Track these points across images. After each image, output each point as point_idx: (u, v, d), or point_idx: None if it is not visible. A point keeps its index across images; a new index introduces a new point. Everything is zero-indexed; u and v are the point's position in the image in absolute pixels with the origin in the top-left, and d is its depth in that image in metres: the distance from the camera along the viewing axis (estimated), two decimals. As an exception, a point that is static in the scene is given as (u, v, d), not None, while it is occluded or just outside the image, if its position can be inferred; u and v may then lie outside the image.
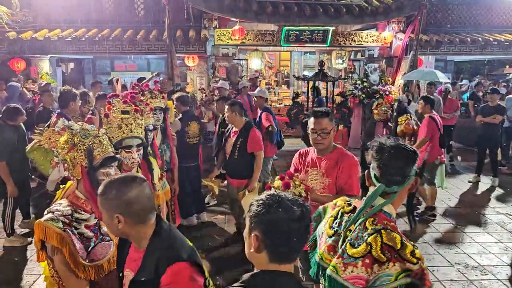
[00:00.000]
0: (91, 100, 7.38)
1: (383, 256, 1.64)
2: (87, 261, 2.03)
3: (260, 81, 14.02)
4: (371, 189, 1.82)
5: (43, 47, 9.52)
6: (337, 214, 1.93)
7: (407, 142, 6.05)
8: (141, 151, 2.84)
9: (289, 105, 10.89)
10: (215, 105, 7.12)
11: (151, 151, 3.44)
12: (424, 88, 9.76)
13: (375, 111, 9.08)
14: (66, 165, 2.13)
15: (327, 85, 10.06)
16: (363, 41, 10.71)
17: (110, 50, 9.83)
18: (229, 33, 9.92)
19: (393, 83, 10.31)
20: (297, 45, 11.17)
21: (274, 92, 14.09)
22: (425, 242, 5.25)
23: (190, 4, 9.73)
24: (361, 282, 1.65)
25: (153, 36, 9.62)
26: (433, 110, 6.10)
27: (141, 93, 3.85)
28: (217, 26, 10.20)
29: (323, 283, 1.84)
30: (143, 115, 2.94)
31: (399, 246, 1.65)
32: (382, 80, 10.23)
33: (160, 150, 4.17)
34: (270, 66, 17.55)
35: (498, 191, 7.42)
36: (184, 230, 5.38)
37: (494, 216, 6.22)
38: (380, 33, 10.70)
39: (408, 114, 6.52)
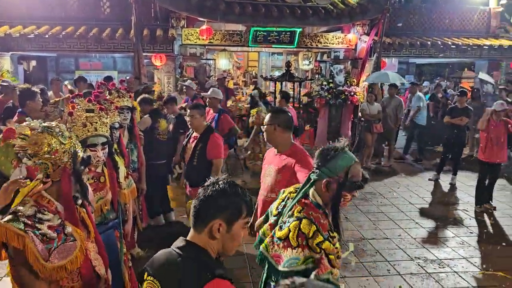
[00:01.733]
0: (50, 99, 7.19)
1: (295, 242, 1.89)
2: (49, 262, 2.01)
3: (228, 81, 14.06)
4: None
5: (3, 44, 9.19)
6: (285, 198, 2.20)
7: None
8: (106, 150, 2.84)
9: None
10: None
11: (118, 150, 3.43)
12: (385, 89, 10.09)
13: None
14: (40, 167, 2.07)
15: (293, 86, 10.20)
16: (329, 43, 10.93)
17: (74, 48, 9.60)
18: (197, 32, 9.90)
19: (358, 84, 10.57)
20: (265, 45, 11.27)
21: (242, 92, 14.15)
22: (387, 238, 5.44)
23: (157, 3, 9.65)
24: (279, 261, 1.93)
25: (120, 34, 9.48)
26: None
27: (108, 92, 3.83)
28: (185, 26, 10.16)
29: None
30: (108, 114, 2.93)
31: (310, 235, 1.88)
32: (348, 81, 10.46)
33: (127, 149, 4.15)
34: (238, 66, 17.63)
35: (457, 188, 7.76)
36: (152, 229, 5.36)
37: (452, 212, 6.51)
38: (346, 35, 10.95)
39: (259, 107, 7.47)
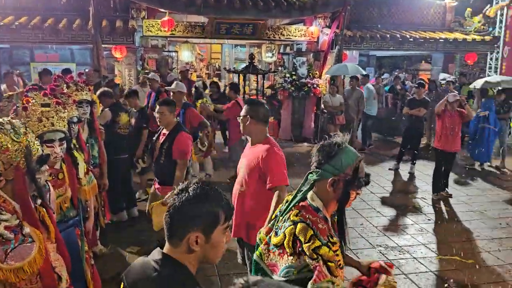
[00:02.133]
0: (3, 93, 6.86)
1: (290, 249, 1.72)
2: (6, 264, 1.93)
3: (191, 73, 13.91)
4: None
5: (-50, 35, 8.69)
6: (288, 199, 1.99)
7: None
8: (64, 145, 2.74)
9: (221, 97, 10.91)
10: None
11: (76, 145, 3.32)
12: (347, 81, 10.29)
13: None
14: None
15: (257, 78, 10.20)
16: (292, 35, 10.99)
17: (29, 39, 9.20)
18: (158, 24, 9.71)
19: (320, 76, 10.72)
20: (228, 37, 11.20)
21: (206, 84, 14.04)
22: (350, 227, 5.57)
23: (116, -7, 9.39)
24: (275, 270, 1.75)
25: (77, 25, 9.14)
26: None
27: (65, 85, 3.69)
28: (146, 17, 9.93)
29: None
30: (66, 108, 2.83)
31: (306, 239, 1.69)
32: (310, 74, 10.60)
33: (87, 144, 4.02)
34: (201, 58, 17.45)
35: (415, 177, 8.05)
36: (115, 226, 5.25)
37: (411, 200, 6.75)
38: (308, 27, 11.05)
39: (204, 98, 7.59)
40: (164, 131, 4.28)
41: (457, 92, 7.24)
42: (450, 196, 6.82)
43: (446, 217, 6.10)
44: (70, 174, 2.84)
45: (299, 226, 1.72)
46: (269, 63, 13.04)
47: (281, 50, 13.04)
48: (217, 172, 7.54)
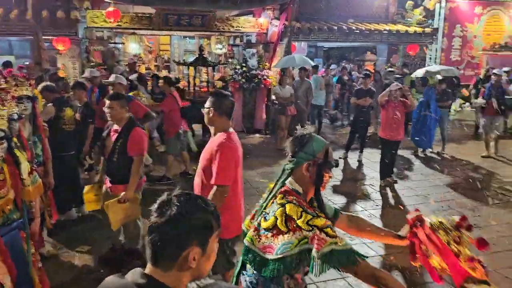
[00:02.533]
0: None
1: (285, 227, 1.85)
2: None
3: (139, 66, 13.55)
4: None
5: None
6: (268, 191, 2.15)
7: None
8: (5, 144, 2.60)
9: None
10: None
11: (18, 143, 3.15)
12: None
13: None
14: None
15: (207, 70, 10.13)
16: (241, 27, 10.99)
17: (-40, 30, 8.59)
18: (103, 15, 9.37)
19: (270, 68, 10.81)
20: (176, 29, 11.01)
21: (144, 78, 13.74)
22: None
23: (56, -18, 8.94)
24: (270, 251, 1.86)
25: (15, 15, 8.62)
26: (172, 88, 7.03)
27: (3, 80, 3.48)
28: (90, 7, 9.54)
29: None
30: (5, 105, 2.67)
31: (298, 216, 1.85)
32: (260, 65, 10.66)
33: (29, 142, 3.83)
34: (150, 50, 17.04)
35: (363, 165, 8.35)
36: (63, 225, 5.05)
37: (360, 188, 7.01)
38: (257, 19, 11.08)
39: (138, 91, 7.65)
40: (116, 127, 4.07)
41: (399, 82, 7.55)
42: (396, 182, 7.14)
43: (393, 202, 6.38)
44: (12, 175, 2.70)
45: (288, 206, 1.89)
46: (219, 55, 12.98)
47: (231, 42, 13.00)
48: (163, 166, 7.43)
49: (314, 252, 1.76)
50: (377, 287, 1.76)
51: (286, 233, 1.84)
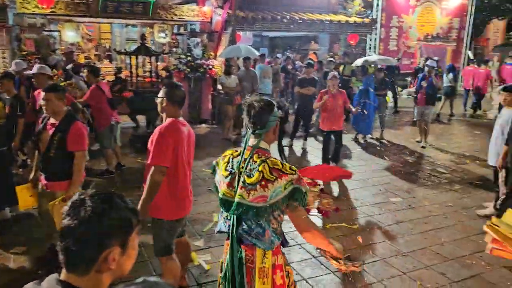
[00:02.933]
0: None
1: (272, 176, 2.24)
2: None
3: (78, 55, 12.95)
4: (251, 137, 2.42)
5: None
6: (229, 160, 2.46)
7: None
8: None
9: (112, 81, 10.36)
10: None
11: None
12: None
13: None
14: None
15: (150, 60, 9.87)
16: (185, 15, 10.80)
17: None
18: (35, 0, 8.82)
19: (215, 57, 10.73)
20: (116, 17, 10.62)
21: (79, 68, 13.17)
22: (249, 205, 5.77)
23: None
24: (263, 199, 2.23)
25: None
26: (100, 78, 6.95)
27: None
28: (19, -8, 8.96)
29: (230, 216, 2.37)
30: None
31: (281, 166, 2.27)
32: (205, 55, 10.55)
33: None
34: (89, 38, 16.29)
35: (308, 152, 8.56)
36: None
37: (304, 174, 7.17)
38: (200, 8, 10.93)
39: (71, 81, 7.53)
40: (52, 120, 3.85)
41: (336, 72, 7.75)
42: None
43: (336, 188, 6.59)
44: None
45: (268, 161, 2.29)
46: (163, 44, 12.70)
47: (175, 31, 12.75)
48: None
49: (303, 188, 2.26)
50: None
51: (274, 181, 2.23)
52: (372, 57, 11.53)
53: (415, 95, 9.50)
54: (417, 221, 5.32)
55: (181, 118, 3.35)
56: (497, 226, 3.08)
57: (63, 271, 1.21)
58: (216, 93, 10.59)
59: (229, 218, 2.39)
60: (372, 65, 11.14)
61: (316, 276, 4.02)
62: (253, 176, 2.27)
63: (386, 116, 10.09)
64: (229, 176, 2.40)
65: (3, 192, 5.02)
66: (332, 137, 7.21)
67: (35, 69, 5.58)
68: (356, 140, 9.45)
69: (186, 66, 10.32)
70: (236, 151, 2.48)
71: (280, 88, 12.33)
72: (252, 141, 2.39)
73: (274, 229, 2.32)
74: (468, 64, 14.93)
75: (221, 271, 2.45)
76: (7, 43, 9.05)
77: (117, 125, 6.87)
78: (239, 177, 2.34)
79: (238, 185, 2.32)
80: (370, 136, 9.65)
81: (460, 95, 13.93)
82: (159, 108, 3.33)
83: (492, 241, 3.10)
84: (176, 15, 10.63)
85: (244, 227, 2.32)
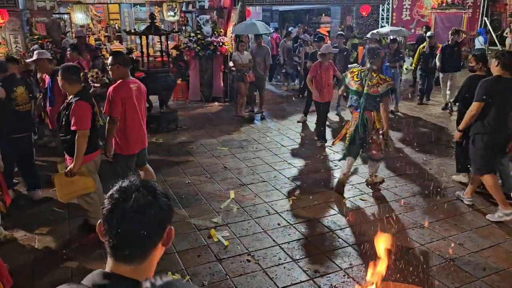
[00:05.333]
0: None
1: (381, 82, 4.95)
2: None
3: (89, 36, 12.94)
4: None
5: None
6: (358, 73, 5.14)
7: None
8: None
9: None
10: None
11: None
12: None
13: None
14: None
15: (160, 39, 9.81)
16: (193, -8, 10.65)
17: None
18: (43, -17, 8.79)
19: (225, 34, 10.61)
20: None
21: (106, 48, 13.16)
22: (264, 181, 5.80)
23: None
24: (377, 91, 4.94)
25: None
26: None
27: None
28: (27, -24, 8.93)
29: (361, 99, 5.06)
30: None
31: (385, 78, 5.05)
32: (215, 32, 10.44)
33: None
34: (99, 20, 16.24)
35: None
36: (19, 208, 4.91)
37: (319, 149, 7.16)
38: (209, -17, 10.76)
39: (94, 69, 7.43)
40: (68, 99, 4.00)
41: (329, 43, 7.81)
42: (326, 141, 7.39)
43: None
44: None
45: (380, 75, 5.08)
46: (172, 22, 12.60)
47: (184, 8, 12.60)
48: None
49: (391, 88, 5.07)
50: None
51: (383, 84, 4.94)
52: (384, 28, 11.27)
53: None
54: (434, 193, 5.30)
55: (130, 78, 4.37)
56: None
57: (110, 262, 1.14)
58: (227, 71, 10.52)
59: (358, 100, 5.08)
60: (385, 37, 10.91)
61: (334, 250, 4.06)
62: (373, 81, 4.94)
63: (400, 88, 9.94)
64: (359, 81, 5.06)
65: (32, 175, 5.15)
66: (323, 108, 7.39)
67: (35, 56, 5.57)
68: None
69: (196, 44, 10.25)
70: (362, 69, 5.15)
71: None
72: (369, 65, 5.01)
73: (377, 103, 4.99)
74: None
75: (353, 128, 5.16)
76: (19, 28, 9.08)
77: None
78: (365, 81, 4.98)
79: (365, 84, 4.96)
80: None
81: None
82: (111, 74, 4.47)
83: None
84: (184, -8, 10.51)
85: (368, 103, 5.00)
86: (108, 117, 4.21)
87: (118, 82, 4.25)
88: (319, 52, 7.16)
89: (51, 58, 5.71)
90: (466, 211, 4.83)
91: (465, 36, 9.30)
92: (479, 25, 15.95)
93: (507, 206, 4.52)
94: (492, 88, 4.41)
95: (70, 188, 3.93)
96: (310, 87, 7.24)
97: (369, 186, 5.52)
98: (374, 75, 4.90)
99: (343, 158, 5.47)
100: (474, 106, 4.50)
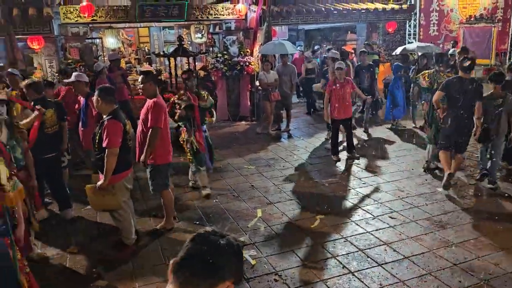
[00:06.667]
0: None
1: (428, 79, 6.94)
2: None
3: (119, 59, 13.34)
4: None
5: None
6: (427, 74, 6.96)
7: None
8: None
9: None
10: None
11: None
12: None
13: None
14: None
15: (188, 60, 10.01)
16: (219, 14, 10.86)
17: None
18: (77, 10, 9.18)
19: (252, 54, 10.74)
20: (154, 21, 10.85)
21: (136, 71, 13.52)
22: (291, 200, 5.75)
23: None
24: (424, 84, 7.09)
25: (-17, 16, 8.42)
26: None
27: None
28: (62, 3, 9.34)
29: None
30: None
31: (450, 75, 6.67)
32: (242, 52, 10.58)
33: (7, 147, 3.76)
34: (129, 43, 16.75)
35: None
36: (51, 227, 5.03)
37: (339, 164, 7.07)
38: (235, 5, 10.95)
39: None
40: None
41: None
42: (358, 158, 7.33)
43: (380, 179, 6.42)
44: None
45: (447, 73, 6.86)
46: (200, 44, 12.85)
47: (211, 30, 12.86)
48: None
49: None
50: None
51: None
52: (412, 45, 11.15)
53: None
54: (466, 211, 5.12)
55: (159, 96, 4.69)
56: None
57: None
58: (254, 90, 10.61)
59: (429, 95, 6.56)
60: (413, 53, 10.80)
61: (363, 269, 3.96)
62: (441, 80, 6.18)
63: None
64: (429, 80, 6.75)
65: (63, 195, 5.28)
66: (341, 125, 7.45)
67: (73, 77, 5.80)
68: (393, 127, 9.34)
69: (223, 65, 10.41)
70: (430, 72, 6.92)
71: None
72: (437, 68, 6.83)
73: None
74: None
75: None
76: (54, 53, 9.47)
77: None
78: (433, 80, 6.68)
79: (435, 83, 6.50)
80: (413, 125, 9.37)
81: None
82: (143, 92, 4.68)
83: None
84: (211, 14, 10.71)
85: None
86: (151, 129, 4.48)
87: (158, 97, 4.64)
88: (335, 68, 7.18)
89: (86, 80, 5.92)
90: (502, 228, 4.63)
91: None
92: (509, 39, 15.54)
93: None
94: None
95: (99, 200, 4.19)
96: (326, 107, 7.31)
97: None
98: (442, 75, 6.49)
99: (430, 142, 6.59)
100: None
